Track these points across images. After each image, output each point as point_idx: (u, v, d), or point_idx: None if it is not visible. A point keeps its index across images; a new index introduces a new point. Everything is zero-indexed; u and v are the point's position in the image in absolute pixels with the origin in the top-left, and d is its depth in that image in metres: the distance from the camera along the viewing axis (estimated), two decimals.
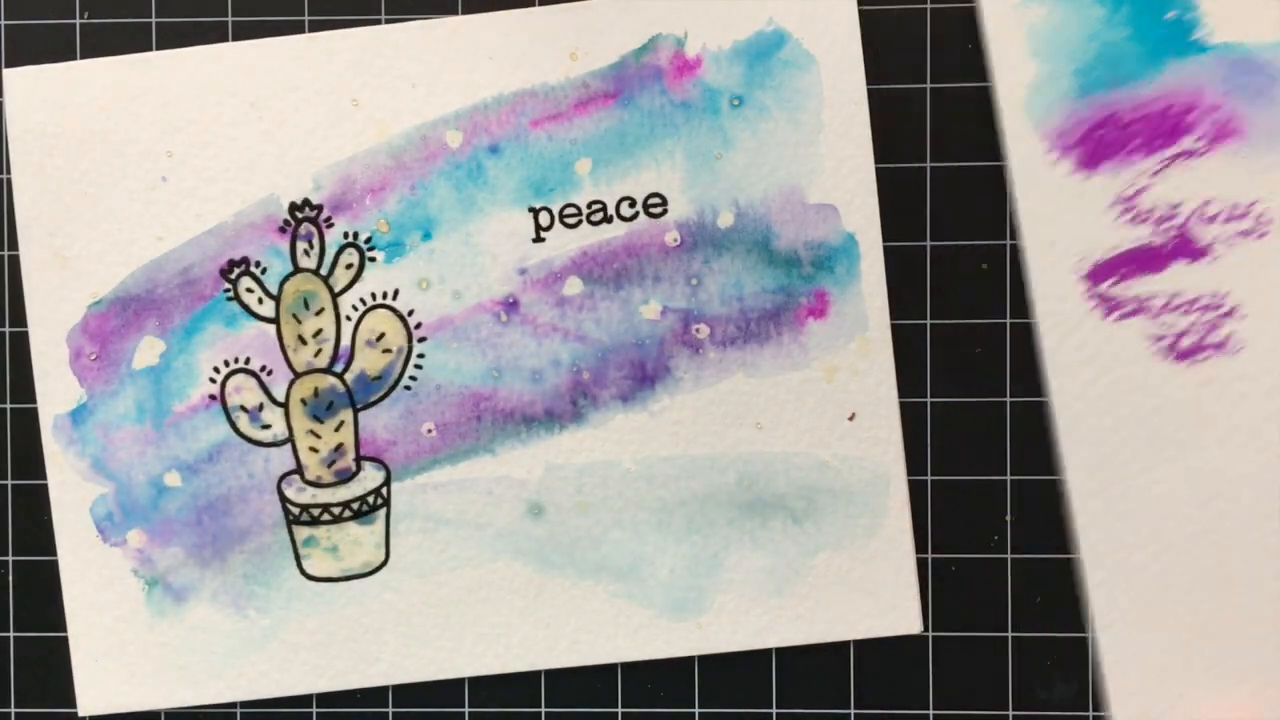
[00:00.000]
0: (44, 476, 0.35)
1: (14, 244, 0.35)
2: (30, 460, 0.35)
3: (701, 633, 0.34)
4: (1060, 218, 0.33)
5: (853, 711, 0.34)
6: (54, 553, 0.35)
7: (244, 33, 0.34)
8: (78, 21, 0.35)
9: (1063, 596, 0.34)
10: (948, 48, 0.34)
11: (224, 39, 0.34)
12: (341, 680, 0.34)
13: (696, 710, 0.34)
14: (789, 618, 0.34)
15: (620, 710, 0.35)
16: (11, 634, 0.35)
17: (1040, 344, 0.33)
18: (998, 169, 0.34)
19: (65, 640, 0.35)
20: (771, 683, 0.34)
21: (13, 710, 0.35)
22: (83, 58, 0.35)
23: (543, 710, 0.35)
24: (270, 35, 0.34)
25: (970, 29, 0.34)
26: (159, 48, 0.35)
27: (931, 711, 0.34)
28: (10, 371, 0.35)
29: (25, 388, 0.35)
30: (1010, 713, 0.34)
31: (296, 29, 0.34)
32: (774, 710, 0.34)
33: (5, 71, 0.34)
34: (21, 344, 0.35)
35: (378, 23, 0.34)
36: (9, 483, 0.35)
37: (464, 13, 0.34)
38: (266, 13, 0.35)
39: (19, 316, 0.35)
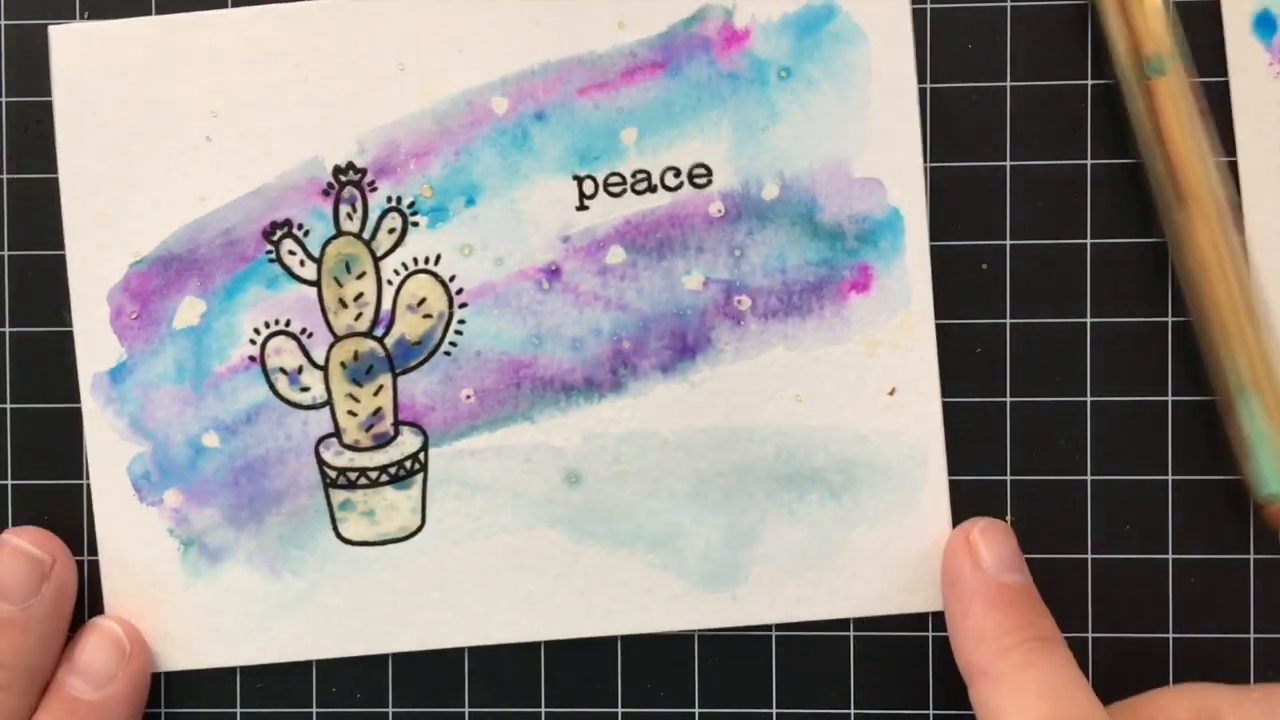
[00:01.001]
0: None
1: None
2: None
3: (737, 604, 0.34)
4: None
5: (853, 712, 0.35)
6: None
7: None
8: (78, 21, 0.35)
9: (1064, 596, 0.34)
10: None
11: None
12: (375, 644, 0.34)
13: (696, 710, 0.34)
14: (824, 591, 0.34)
15: (620, 710, 0.34)
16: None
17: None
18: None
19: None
20: (772, 682, 0.34)
21: None
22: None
23: (542, 710, 0.35)
24: None
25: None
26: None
27: (932, 711, 0.34)
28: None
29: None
30: None
31: None
32: (774, 710, 0.34)
33: (51, 29, 0.34)
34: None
35: None
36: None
37: None
38: None
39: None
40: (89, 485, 0.35)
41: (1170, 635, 0.34)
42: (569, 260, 0.34)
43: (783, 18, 0.34)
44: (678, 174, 0.34)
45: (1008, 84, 0.34)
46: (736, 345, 0.34)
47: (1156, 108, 0.32)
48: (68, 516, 0.35)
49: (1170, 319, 0.34)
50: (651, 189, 0.34)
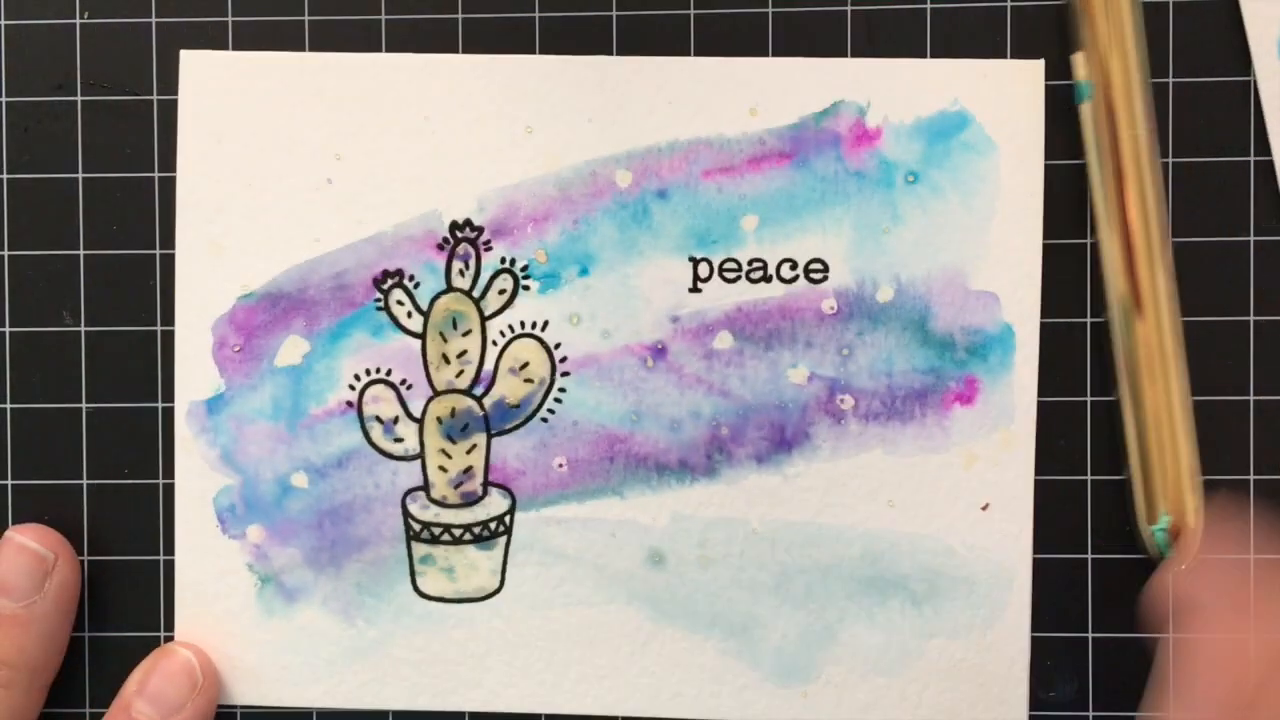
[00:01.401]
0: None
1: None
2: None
3: (806, 701, 0.34)
4: None
5: None
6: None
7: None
8: (78, 21, 0.35)
9: (1065, 597, 0.34)
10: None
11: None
12: (440, 701, 0.34)
13: None
14: (895, 698, 0.34)
15: None
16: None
17: None
18: None
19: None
20: None
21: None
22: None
23: None
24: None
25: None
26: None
27: None
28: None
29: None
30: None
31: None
32: None
33: (183, 53, 0.34)
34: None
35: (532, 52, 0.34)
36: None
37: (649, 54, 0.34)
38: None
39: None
40: (87, 484, 0.35)
41: (1170, 636, 0.34)
42: (676, 341, 0.34)
43: (915, 121, 0.34)
44: (794, 266, 0.34)
45: None
46: (834, 444, 0.34)
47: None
48: (68, 517, 0.35)
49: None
50: (766, 279, 0.34)
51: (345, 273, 0.34)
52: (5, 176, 0.35)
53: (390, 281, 0.34)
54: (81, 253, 0.35)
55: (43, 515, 0.35)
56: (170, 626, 0.35)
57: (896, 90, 0.33)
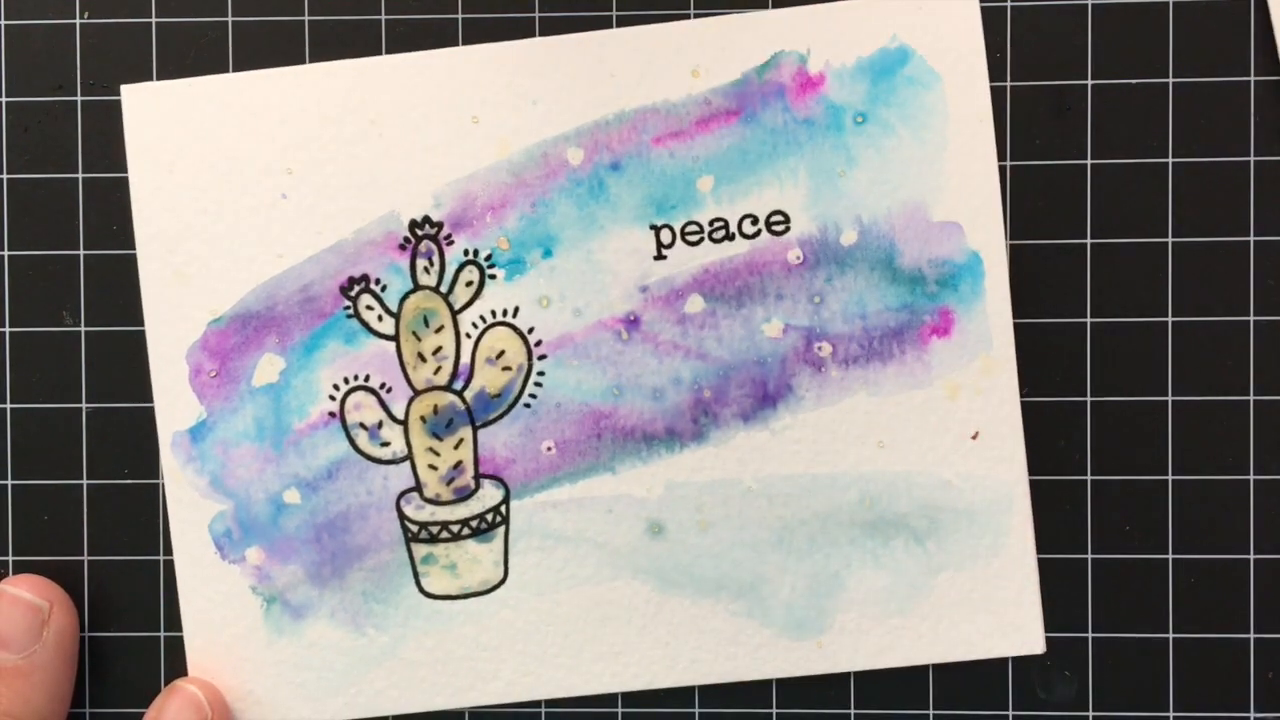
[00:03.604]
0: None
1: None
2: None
3: (822, 652, 0.34)
4: None
5: (852, 712, 0.34)
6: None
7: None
8: (78, 21, 0.35)
9: (1065, 598, 0.34)
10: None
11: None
12: (459, 698, 0.34)
13: None
14: (910, 637, 0.34)
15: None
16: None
17: None
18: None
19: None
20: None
21: None
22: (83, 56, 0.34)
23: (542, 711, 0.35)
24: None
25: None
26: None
27: (932, 712, 0.34)
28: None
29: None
30: (1010, 713, 0.34)
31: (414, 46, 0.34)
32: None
33: (124, 88, 0.34)
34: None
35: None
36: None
37: (583, 30, 0.34)
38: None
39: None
40: (87, 484, 0.35)
41: (1170, 635, 0.34)
42: (648, 310, 0.34)
43: (857, 62, 0.34)
44: (755, 221, 0.34)
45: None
46: (818, 392, 0.34)
47: None
48: (67, 517, 0.35)
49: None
50: (729, 237, 0.34)
51: (311, 284, 0.34)
52: (5, 176, 0.35)
53: (357, 287, 0.34)
54: (81, 253, 0.35)
55: (43, 515, 0.35)
56: (169, 626, 0.35)
57: (834, 34, 0.34)
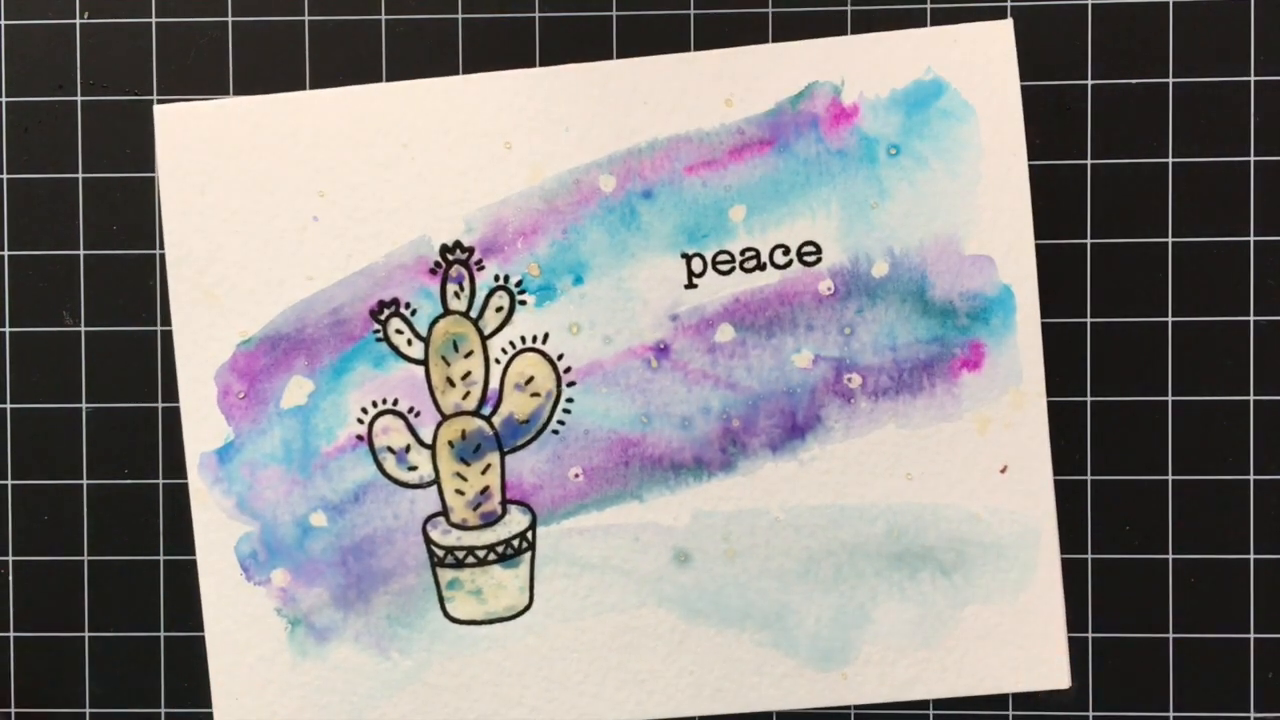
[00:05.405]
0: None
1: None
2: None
3: (847, 683, 0.34)
4: None
5: (852, 712, 0.34)
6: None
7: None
8: (78, 21, 0.35)
9: (1065, 598, 0.34)
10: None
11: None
12: None
13: None
14: (936, 670, 0.34)
15: None
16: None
17: None
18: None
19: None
20: None
21: None
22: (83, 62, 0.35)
23: None
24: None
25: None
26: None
27: (932, 712, 0.34)
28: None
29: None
30: (1010, 713, 0.34)
31: (449, 71, 0.34)
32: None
33: (156, 108, 0.34)
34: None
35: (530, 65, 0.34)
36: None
37: (618, 57, 0.34)
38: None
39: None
40: (87, 484, 0.35)
41: (1170, 635, 0.34)
42: (678, 338, 0.34)
43: (891, 94, 0.34)
44: (787, 251, 0.34)
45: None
46: (847, 423, 0.34)
47: None
48: (67, 517, 0.35)
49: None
50: (760, 267, 0.34)
51: (341, 307, 0.34)
52: (5, 176, 0.35)
53: (387, 311, 0.34)
54: (81, 253, 0.35)
55: (43, 515, 0.35)
56: (169, 627, 0.35)
57: (869, 65, 0.34)
